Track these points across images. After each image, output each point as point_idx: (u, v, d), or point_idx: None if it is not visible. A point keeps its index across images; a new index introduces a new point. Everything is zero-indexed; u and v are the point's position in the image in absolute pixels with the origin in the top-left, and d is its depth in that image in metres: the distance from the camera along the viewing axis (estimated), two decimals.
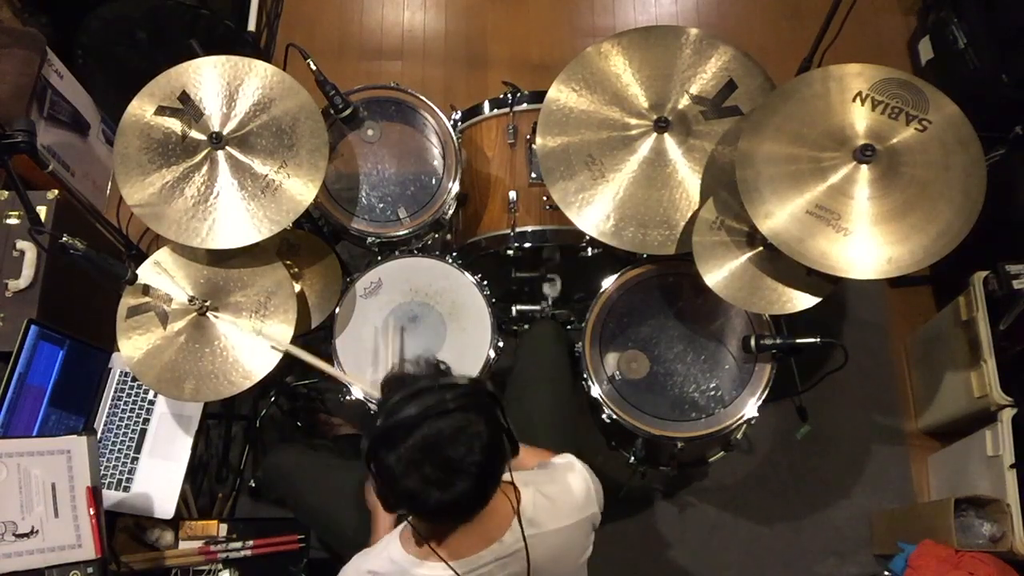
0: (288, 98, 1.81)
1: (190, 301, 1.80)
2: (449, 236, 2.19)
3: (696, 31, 1.94)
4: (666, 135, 1.88)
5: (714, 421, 1.86)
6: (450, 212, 2.07)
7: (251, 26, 2.82)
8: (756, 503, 2.42)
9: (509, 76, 2.59)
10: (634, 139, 1.88)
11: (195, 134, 1.79)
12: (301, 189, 1.76)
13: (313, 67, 1.90)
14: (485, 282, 1.98)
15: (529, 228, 2.05)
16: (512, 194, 2.05)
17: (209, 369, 1.77)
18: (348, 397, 1.90)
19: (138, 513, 1.91)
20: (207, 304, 1.80)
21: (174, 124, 1.80)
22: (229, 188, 1.77)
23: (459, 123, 2.15)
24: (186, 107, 1.81)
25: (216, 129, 1.79)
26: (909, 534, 2.12)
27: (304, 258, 2.05)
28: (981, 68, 2.44)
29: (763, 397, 1.86)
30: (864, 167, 1.64)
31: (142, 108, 1.81)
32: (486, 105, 2.13)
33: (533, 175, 2.04)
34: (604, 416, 1.90)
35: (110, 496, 1.91)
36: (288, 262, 1.93)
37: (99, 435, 1.98)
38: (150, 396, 2.03)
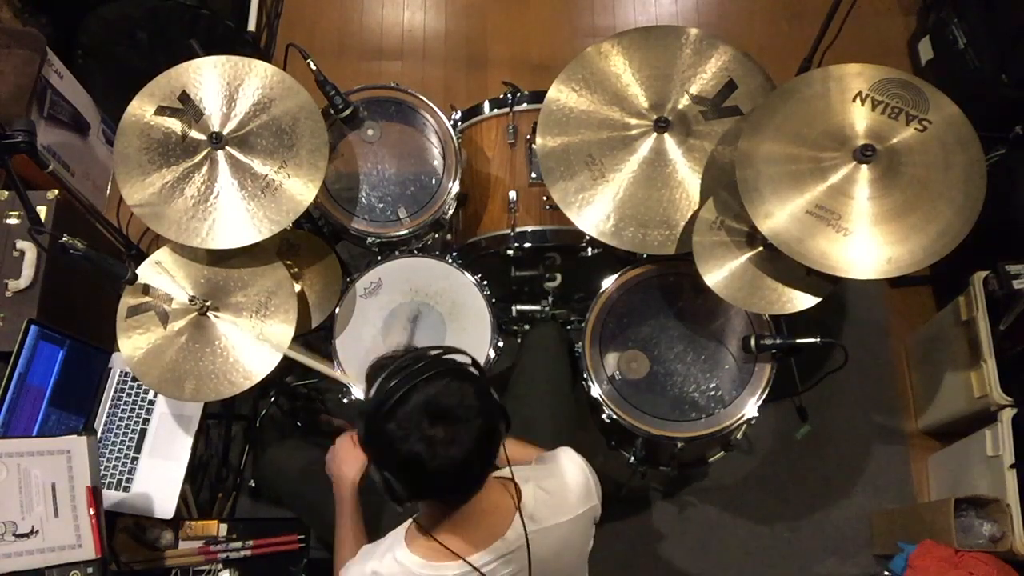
0: (288, 98, 1.82)
1: (190, 301, 1.80)
2: (449, 236, 2.19)
3: (696, 31, 1.94)
4: (666, 135, 1.88)
5: (714, 421, 1.86)
6: (450, 212, 2.07)
7: (251, 26, 2.82)
8: (756, 503, 2.42)
9: (509, 76, 2.60)
10: (634, 139, 1.88)
11: (195, 134, 1.79)
12: (301, 189, 1.76)
13: (313, 67, 1.90)
14: (485, 282, 1.98)
15: (529, 228, 2.05)
16: (512, 194, 2.05)
17: (209, 369, 1.77)
18: (348, 397, 1.90)
19: (138, 513, 1.91)
20: (207, 304, 1.80)
21: (174, 124, 1.80)
22: (229, 188, 1.77)
23: (459, 123, 2.15)
24: (186, 107, 1.81)
25: (216, 129, 1.79)
26: (909, 534, 2.12)
27: (304, 258, 2.05)
28: (981, 68, 2.44)
29: (763, 397, 1.86)
30: (864, 167, 1.64)
31: (142, 108, 1.81)
32: (486, 105, 2.13)
33: (533, 175, 2.04)
34: (604, 416, 1.90)
35: (110, 496, 1.91)
36: (288, 262, 1.93)
37: (99, 435, 1.98)
38: (150, 396, 2.03)
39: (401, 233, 2.01)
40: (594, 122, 1.88)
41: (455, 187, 2.01)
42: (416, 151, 2.07)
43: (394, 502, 1.24)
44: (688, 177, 1.87)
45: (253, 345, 1.78)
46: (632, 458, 2.09)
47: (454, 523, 1.26)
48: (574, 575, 1.42)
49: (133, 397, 2.02)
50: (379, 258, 2.02)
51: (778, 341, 1.84)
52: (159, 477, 1.94)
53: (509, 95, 2.09)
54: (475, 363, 1.24)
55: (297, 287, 2.01)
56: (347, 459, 1.55)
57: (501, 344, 1.93)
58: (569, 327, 2.33)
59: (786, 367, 1.96)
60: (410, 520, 1.33)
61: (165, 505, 1.91)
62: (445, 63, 3.11)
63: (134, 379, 2.03)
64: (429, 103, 2.07)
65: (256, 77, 1.83)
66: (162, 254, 1.87)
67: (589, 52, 1.93)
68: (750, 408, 1.86)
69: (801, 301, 1.76)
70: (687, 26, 2.25)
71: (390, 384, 1.17)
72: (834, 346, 1.84)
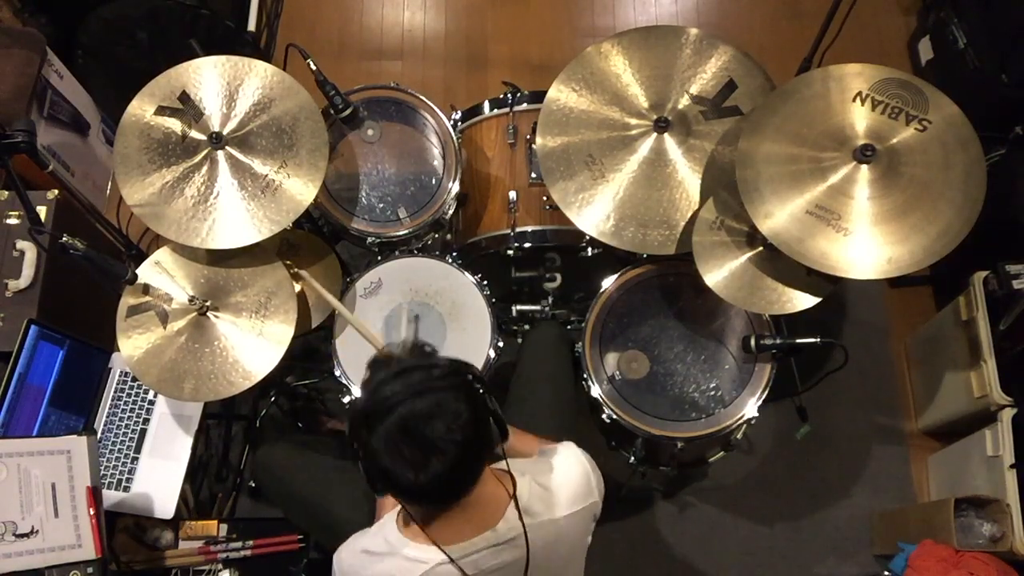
0: (288, 98, 1.82)
1: (190, 301, 1.80)
2: (449, 236, 2.19)
3: (696, 31, 1.94)
4: (666, 135, 1.88)
5: (714, 421, 1.86)
6: (450, 212, 2.07)
7: (251, 26, 2.82)
8: (756, 503, 2.42)
9: (509, 76, 2.60)
10: (634, 139, 1.88)
11: (195, 134, 1.79)
12: (301, 189, 1.76)
13: (313, 67, 1.90)
14: (485, 282, 1.98)
15: (529, 228, 2.05)
16: (512, 194, 2.05)
17: (209, 369, 1.77)
18: (348, 397, 1.90)
19: (138, 513, 1.91)
20: (207, 304, 1.80)
21: (174, 124, 1.80)
22: (229, 188, 1.77)
23: (459, 123, 2.15)
24: (186, 107, 1.81)
25: (216, 129, 1.79)
26: (909, 534, 2.12)
27: (304, 258, 2.05)
28: (981, 68, 2.44)
29: (763, 397, 1.86)
30: (864, 167, 1.64)
31: (142, 108, 1.81)
32: (486, 105, 2.13)
33: (533, 175, 2.04)
34: (604, 416, 1.90)
35: (110, 496, 1.91)
36: (288, 262, 1.93)
37: (99, 435, 1.98)
38: (150, 396, 2.02)
39: (401, 233, 2.01)
40: (594, 122, 1.88)
41: (455, 187, 2.01)
42: (416, 151, 2.07)
43: (373, 491, 1.25)
44: (688, 177, 1.87)
45: (253, 345, 1.78)
46: (632, 458, 2.09)
47: (443, 511, 1.26)
48: (568, 569, 1.41)
49: (133, 397, 2.02)
50: (379, 258, 2.02)
51: (778, 341, 1.84)
52: (159, 477, 1.94)
53: (509, 95, 2.09)
54: (479, 379, 1.23)
55: (297, 287, 2.00)
56: None
57: (501, 344, 1.93)
58: (569, 327, 2.33)
59: (786, 367, 1.96)
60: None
61: (165, 505, 1.91)
62: (445, 63, 3.11)
63: (134, 379, 2.03)
64: (429, 103, 2.07)
65: (256, 77, 1.83)
66: (162, 254, 1.87)
67: (589, 52, 1.93)
68: (750, 408, 1.86)
69: (801, 301, 1.76)
70: (687, 26, 2.25)
71: (381, 391, 1.16)
72: (834, 346, 1.84)
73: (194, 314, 1.80)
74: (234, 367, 1.77)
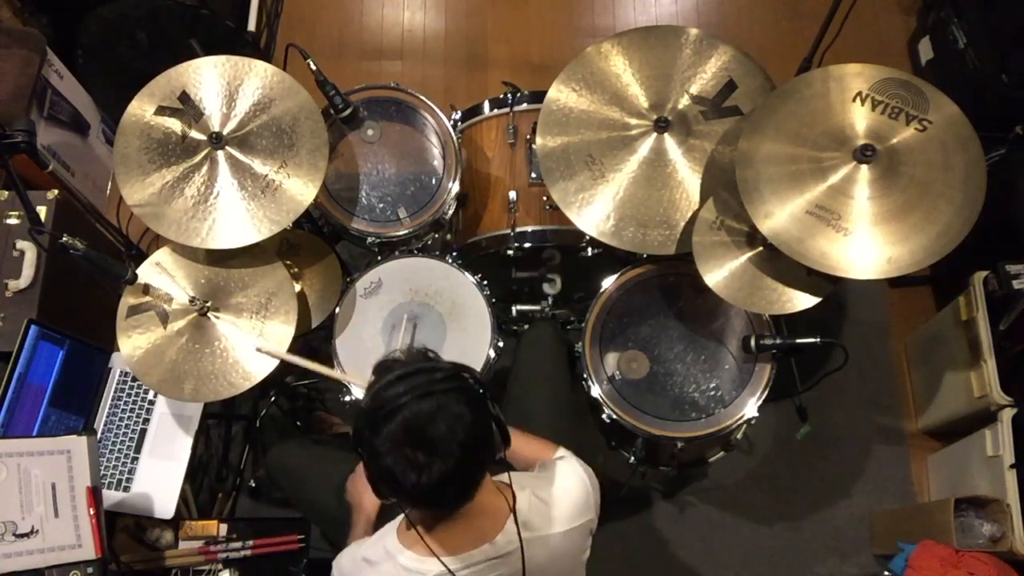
0: (288, 98, 1.82)
1: (191, 301, 1.80)
2: (449, 236, 2.19)
3: (696, 31, 1.94)
4: (666, 135, 1.88)
5: (714, 421, 1.86)
6: (450, 212, 2.07)
7: (251, 26, 2.82)
8: (756, 503, 2.42)
9: (509, 76, 2.60)
10: (634, 139, 1.88)
11: (195, 134, 1.79)
12: (301, 189, 1.76)
13: (313, 67, 1.90)
14: (485, 282, 1.98)
15: (529, 228, 2.05)
16: (512, 194, 2.05)
17: (209, 370, 1.77)
18: (348, 398, 1.90)
19: (138, 513, 1.91)
20: (207, 304, 1.80)
21: (174, 124, 1.80)
22: (229, 188, 1.77)
23: (459, 123, 2.15)
24: (186, 107, 1.81)
25: (216, 129, 1.79)
26: (909, 534, 2.12)
27: (304, 258, 2.05)
28: (981, 68, 2.44)
29: (763, 397, 1.86)
30: (864, 167, 1.64)
31: (142, 108, 1.81)
32: (486, 105, 2.13)
33: (533, 175, 2.04)
34: (604, 416, 1.90)
35: (110, 496, 1.91)
36: (288, 262, 1.94)
37: (99, 435, 1.98)
38: (150, 396, 2.02)
39: (401, 233, 2.01)
40: (594, 122, 1.88)
41: (455, 187, 2.01)
42: (416, 151, 2.07)
43: (379, 499, 1.25)
44: (688, 177, 1.87)
45: (253, 345, 1.78)
46: (632, 458, 2.09)
47: (443, 521, 1.26)
48: None
49: (133, 397, 2.02)
50: (379, 258, 2.02)
51: (778, 341, 1.84)
52: (159, 477, 1.94)
53: (509, 95, 2.09)
54: (481, 383, 1.23)
55: (297, 287, 2.01)
56: (367, 490, 1.56)
57: (501, 344, 1.93)
58: (569, 327, 2.33)
59: (786, 367, 1.96)
60: (404, 513, 1.33)
61: (165, 505, 1.91)
62: (445, 63, 3.11)
63: (134, 379, 2.03)
64: (429, 103, 2.07)
65: (256, 77, 1.83)
66: (162, 254, 1.87)
67: (589, 52, 1.93)
68: (750, 408, 1.86)
69: (801, 301, 1.76)
70: (687, 26, 2.25)
71: (385, 394, 1.16)
72: (834, 346, 1.84)
73: (194, 314, 1.80)
74: (234, 368, 1.77)
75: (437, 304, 1.95)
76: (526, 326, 2.30)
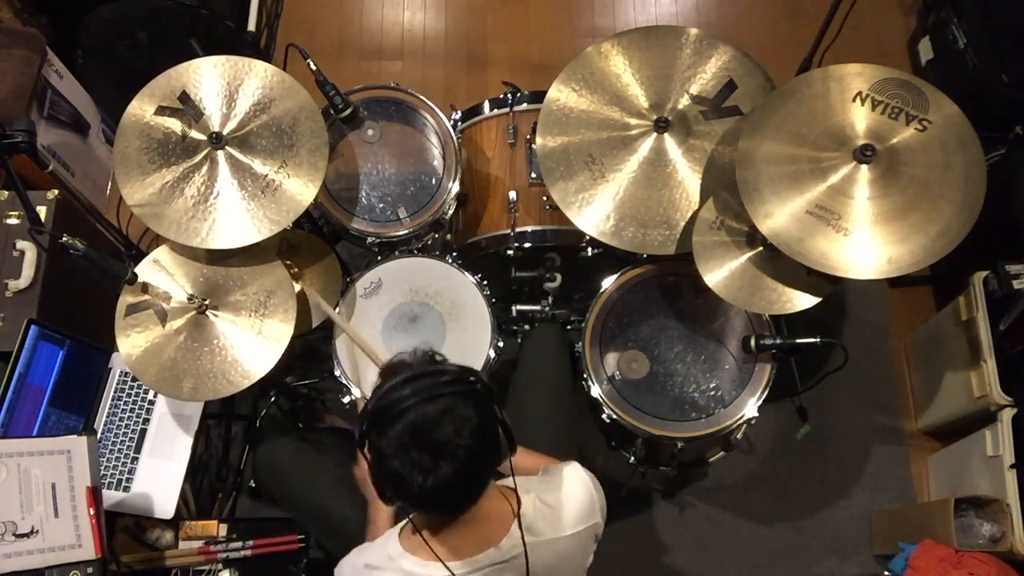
0: (288, 98, 1.82)
1: (189, 300, 1.80)
2: (449, 236, 2.19)
3: (696, 31, 1.94)
4: (666, 135, 1.88)
5: (714, 421, 1.86)
6: (450, 212, 2.07)
7: (251, 26, 2.82)
8: (756, 503, 2.42)
9: (509, 76, 2.60)
10: (634, 139, 1.88)
11: (195, 134, 1.79)
12: (301, 189, 1.76)
13: (313, 67, 1.90)
14: (485, 282, 1.98)
15: (529, 228, 2.05)
16: (512, 194, 2.05)
17: (208, 368, 1.77)
18: (348, 398, 1.90)
19: (138, 513, 1.91)
20: (206, 303, 1.80)
21: (174, 124, 1.80)
22: (229, 188, 1.77)
23: (459, 123, 2.15)
24: (186, 107, 1.81)
25: (216, 129, 1.79)
26: (909, 534, 2.12)
27: (304, 258, 2.05)
28: (981, 68, 2.44)
29: (763, 397, 1.86)
30: (864, 167, 1.64)
31: (142, 108, 1.81)
32: (486, 105, 2.13)
33: (533, 175, 2.04)
34: (604, 416, 1.90)
35: (110, 496, 1.91)
36: (288, 262, 1.93)
37: (99, 435, 1.98)
38: (150, 396, 2.03)
39: (401, 233, 2.01)
40: (594, 122, 1.88)
41: (455, 187, 2.01)
42: (416, 151, 2.07)
43: (383, 502, 1.25)
44: (688, 177, 1.87)
45: (252, 344, 1.78)
46: (632, 458, 2.09)
47: (448, 526, 1.26)
48: None
49: (133, 397, 2.02)
50: (379, 258, 2.02)
51: (778, 341, 1.84)
52: (159, 477, 1.94)
53: (509, 95, 2.09)
54: (488, 387, 1.23)
55: (297, 287, 2.00)
56: None
57: (501, 344, 1.93)
58: (569, 327, 2.33)
59: (786, 367, 1.96)
60: (407, 519, 1.33)
61: (165, 505, 1.91)
62: (445, 63, 3.11)
63: (134, 379, 2.03)
64: (429, 103, 2.07)
65: (256, 77, 1.83)
66: (161, 252, 1.87)
67: (589, 52, 1.93)
68: (750, 408, 1.86)
69: (801, 301, 1.76)
70: (687, 26, 2.25)
71: (392, 396, 1.16)
72: (834, 346, 1.84)
73: (193, 313, 1.80)
74: (233, 366, 1.77)
75: (437, 304, 1.95)
76: (526, 326, 2.31)
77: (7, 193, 2.16)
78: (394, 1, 3.22)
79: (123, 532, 1.89)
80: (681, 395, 1.89)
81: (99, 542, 1.59)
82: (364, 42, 3.15)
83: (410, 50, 3.13)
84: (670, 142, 1.88)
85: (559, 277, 2.16)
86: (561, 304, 2.27)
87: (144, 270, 1.84)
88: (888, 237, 1.61)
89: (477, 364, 1.89)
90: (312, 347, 2.17)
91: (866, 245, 1.61)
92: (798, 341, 1.83)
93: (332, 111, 1.97)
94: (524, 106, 2.08)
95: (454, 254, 2.04)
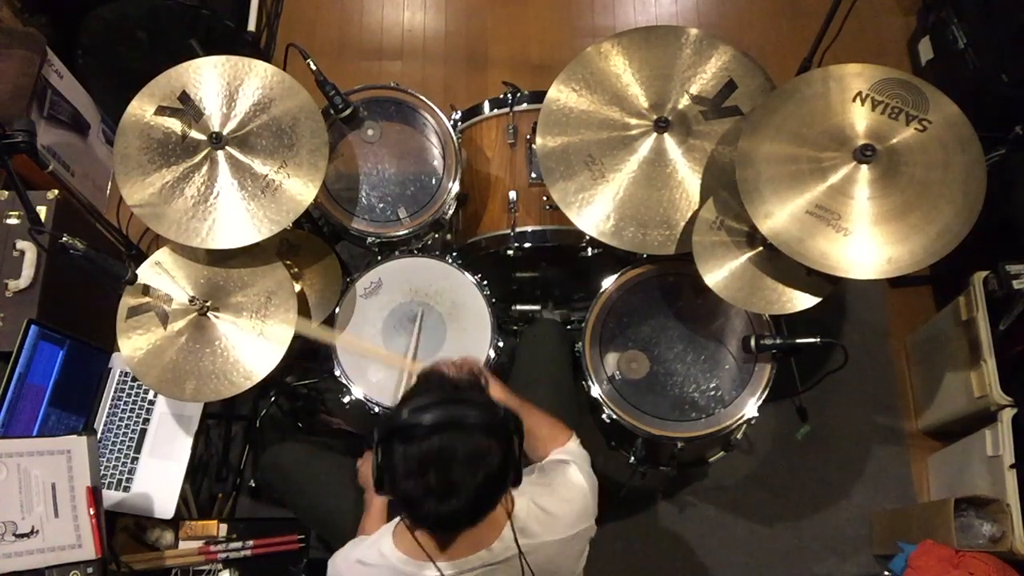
0: (288, 98, 1.82)
1: (190, 301, 1.80)
2: (449, 236, 2.19)
3: (696, 31, 1.94)
4: (666, 135, 1.87)
5: (714, 421, 1.86)
6: (450, 212, 2.06)
7: (251, 26, 2.82)
8: (756, 503, 2.42)
9: (509, 76, 2.59)
10: (634, 139, 1.88)
11: (195, 134, 1.79)
12: (301, 189, 1.76)
13: (313, 67, 1.90)
14: (485, 282, 1.98)
15: (529, 228, 2.05)
16: (512, 194, 2.05)
17: (210, 369, 1.77)
18: (348, 398, 1.90)
19: (138, 513, 1.91)
20: (207, 304, 1.80)
21: (174, 124, 1.80)
22: (229, 188, 1.77)
23: (459, 123, 2.15)
24: (186, 107, 1.81)
25: (216, 129, 1.79)
26: (909, 534, 2.12)
27: (304, 258, 2.05)
28: (981, 68, 2.44)
29: (763, 397, 1.86)
30: (864, 167, 1.64)
31: (142, 108, 1.81)
32: (486, 105, 2.13)
33: (533, 175, 2.04)
34: (604, 416, 1.90)
35: (110, 496, 1.91)
36: (288, 262, 1.93)
37: (99, 435, 1.98)
38: (150, 396, 2.03)
39: (401, 233, 2.01)
40: (594, 122, 1.88)
41: (455, 187, 2.01)
42: (416, 151, 2.07)
43: (380, 495, 1.26)
44: (688, 177, 1.87)
45: (253, 345, 1.78)
46: (632, 458, 2.09)
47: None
48: None
49: (133, 397, 2.02)
50: (379, 258, 2.02)
51: (778, 341, 1.84)
52: (159, 477, 1.94)
53: (509, 95, 2.09)
54: (518, 427, 1.23)
55: (297, 287, 2.00)
56: None
57: (501, 344, 1.93)
58: (569, 327, 2.33)
59: (786, 367, 1.96)
60: (399, 518, 1.33)
61: (165, 505, 1.91)
62: (445, 63, 3.11)
63: (134, 379, 2.03)
64: (429, 103, 2.07)
65: (256, 77, 1.83)
66: (162, 254, 1.87)
67: (589, 52, 1.93)
68: (750, 408, 1.86)
69: (801, 301, 1.76)
70: (687, 26, 2.25)
71: (426, 415, 1.16)
72: (834, 346, 1.84)
73: (194, 314, 1.80)
74: (235, 367, 1.77)
75: (437, 304, 1.95)
76: (526, 326, 2.31)
77: (7, 193, 2.16)
78: (394, 1, 3.22)
79: (123, 532, 1.89)
80: (681, 395, 1.89)
81: (99, 542, 1.59)
82: (364, 42, 3.15)
83: (410, 50, 3.13)
84: (670, 142, 1.88)
85: (559, 277, 2.15)
86: (561, 304, 2.27)
87: (145, 272, 1.84)
88: (888, 237, 1.61)
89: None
90: (312, 347, 2.17)
91: (866, 245, 1.61)
92: (798, 341, 1.83)
93: (332, 111, 1.97)
94: (524, 106, 2.08)
95: (454, 254, 2.04)
